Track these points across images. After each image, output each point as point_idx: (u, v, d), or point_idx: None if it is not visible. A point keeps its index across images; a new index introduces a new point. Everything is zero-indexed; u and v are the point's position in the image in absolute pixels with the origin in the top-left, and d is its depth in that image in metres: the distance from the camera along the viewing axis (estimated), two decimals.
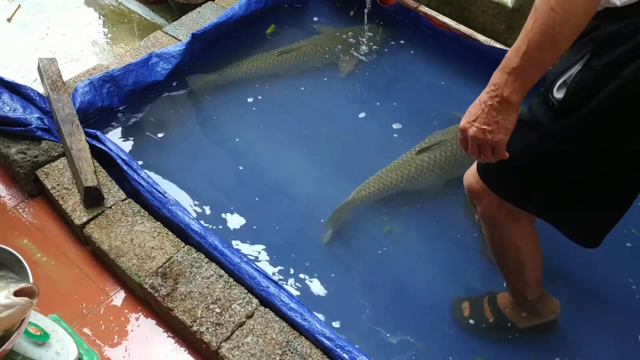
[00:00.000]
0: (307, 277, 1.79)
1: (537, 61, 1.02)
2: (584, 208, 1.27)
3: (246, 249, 1.82)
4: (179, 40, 2.38)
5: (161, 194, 1.72)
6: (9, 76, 2.02)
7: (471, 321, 1.68)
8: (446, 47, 2.62)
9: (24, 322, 1.23)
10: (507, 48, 2.45)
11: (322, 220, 1.92)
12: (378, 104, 2.41)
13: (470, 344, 1.67)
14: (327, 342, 1.43)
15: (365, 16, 2.63)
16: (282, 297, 1.51)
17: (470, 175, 1.41)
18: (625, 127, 1.12)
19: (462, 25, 2.56)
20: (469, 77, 2.53)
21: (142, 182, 1.75)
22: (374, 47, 2.66)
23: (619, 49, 1.05)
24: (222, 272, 1.59)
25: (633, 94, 1.06)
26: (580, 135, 1.16)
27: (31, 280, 1.24)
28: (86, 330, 1.60)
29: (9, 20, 2.78)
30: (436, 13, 2.60)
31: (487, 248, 1.57)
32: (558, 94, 1.13)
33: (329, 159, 2.16)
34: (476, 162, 1.38)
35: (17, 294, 1.17)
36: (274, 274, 1.76)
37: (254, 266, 1.58)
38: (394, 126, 2.31)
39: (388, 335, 1.70)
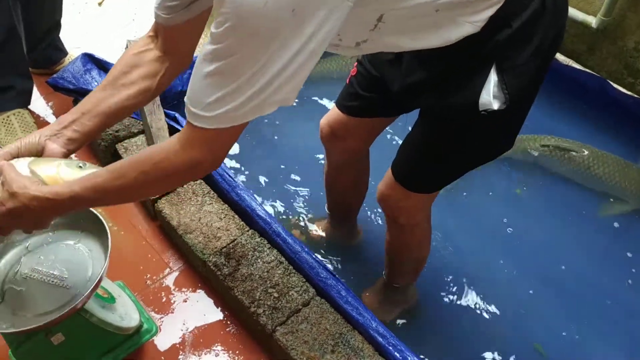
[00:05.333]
0: (364, 273, 1.82)
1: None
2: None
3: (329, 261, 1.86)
4: None
5: (232, 178, 1.77)
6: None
7: None
8: None
9: (98, 284, 1.29)
10: (586, 69, 2.42)
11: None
12: None
13: None
14: (379, 338, 1.44)
15: None
16: (339, 290, 1.53)
17: (393, 190, 1.37)
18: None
19: None
20: (541, 95, 2.49)
21: None
22: None
23: (517, 41, 1.05)
24: (283, 258, 1.63)
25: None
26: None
27: (109, 239, 1.30)
28: (148, 299, 1.67)
29: (99, 4, 2.94)
30: None
31: (387, 248, 1.63)
32: (495, 106, 1.09)
33: None
34: (393, 174, 1.37)
35: None
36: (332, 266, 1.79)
37: (314, 257, 1.61)
38: None
39: (444, 338, 1.73)
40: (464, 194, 2.13)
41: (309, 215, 2.00)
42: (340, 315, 1.53)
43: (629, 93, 2.33)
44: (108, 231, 1.30)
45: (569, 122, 2.39)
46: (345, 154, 1.62)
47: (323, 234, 1.94)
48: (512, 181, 2.24)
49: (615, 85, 2.35)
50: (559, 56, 2.47)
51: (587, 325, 1.78)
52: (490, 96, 1.08)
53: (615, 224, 2.08)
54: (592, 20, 2.33)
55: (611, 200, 2.12)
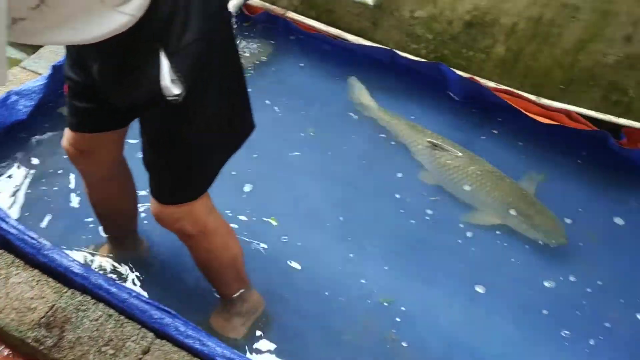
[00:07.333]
0: (204, 295, 1.77)
1: None
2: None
3: (134, 282, 1.77)
4: (40, 74, 2.25)
5: (35, 239, 1.61)
6: None
7: None
8: (319, 49, 2.68)
9: None
10: (376, 44, 2.55)
11: None
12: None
13: None
14: None
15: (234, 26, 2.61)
16: (177, 326, 1.47)
17: (164, 210, 1.38)
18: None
19: (330, 27, 2.62)
20: (343, 74, 2.61)
21: (12, 230, 1.63)
22: (258, 58, 2.66)
23: (174, 24, 1.10)
24: (112, 310, 1.52)
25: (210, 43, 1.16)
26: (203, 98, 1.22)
27: None
28: None
29: None
30: (303, 17, 2.65)
31: (200, 266, 1.60)
32: (175, 90, 1.13)
33: None
34: (155, 199, 1.38)
35: None
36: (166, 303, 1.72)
37: (144, 299, 1.52)
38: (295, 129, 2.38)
39: (300, 340, 1.74)
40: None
41: (92, 245, 1.91)
42: (185, 351, 1.46)
43: (416, 58, 2.50)
44: None
45: (374, 96, 2.52)
46: (101, 167, 1.56)
47: (109, 257, 1.86)
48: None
49: (403, 54, 2.51)
50: (349, 36, 2.59)
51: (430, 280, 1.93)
52: (168, 82, 1.11)
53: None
54: None
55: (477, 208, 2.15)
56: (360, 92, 2.47)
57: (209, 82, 1.20)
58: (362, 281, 1.88)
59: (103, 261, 1.85)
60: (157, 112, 1.22)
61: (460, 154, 2.23)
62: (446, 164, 2.20)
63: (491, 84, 2.42)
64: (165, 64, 1.11)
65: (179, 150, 1.28)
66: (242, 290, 1.71)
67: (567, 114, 2.34)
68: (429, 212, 2.11)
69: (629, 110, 2.32)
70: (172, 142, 1.27)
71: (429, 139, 2.27)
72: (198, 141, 1.28)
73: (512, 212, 2.08)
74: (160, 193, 1.38)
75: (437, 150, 2.24)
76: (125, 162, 1.66)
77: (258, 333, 1.75)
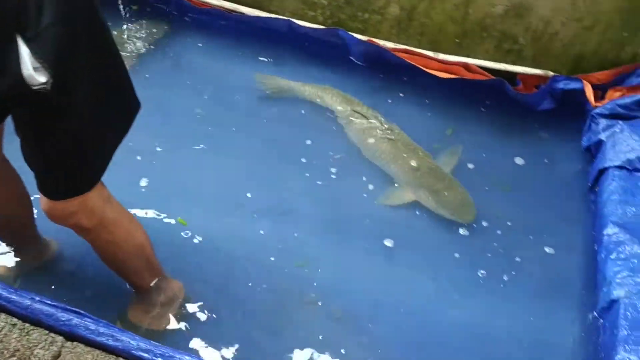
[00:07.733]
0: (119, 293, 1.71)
1: None
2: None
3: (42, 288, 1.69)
4: None
5: None
6: None
7: None
8: (216, 26, 2.61)
9: None
10: (273, 15, 2.51)
11: None
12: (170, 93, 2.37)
13: None
14: (145, 355, 1.36)
15: (122, 10, 2.51)
16: (87, 325, 1.41)
17: (55, 206, 1.32)
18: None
19: (223, 1, 2.55)
20: (246, 49, 2.56)
21: None
22: (152, 40, 2.56)
23: (28, 8, 1.02)
24: (15, 319, 1.43)
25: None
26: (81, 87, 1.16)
27: None
28: None
29: None
30: None
31: (105, 260, 1.56)
32: (41, 78, 1.05)
33: None
34: (43, 195, 1.32)
35: None
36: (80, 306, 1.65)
37: (49, 302, 1.45)
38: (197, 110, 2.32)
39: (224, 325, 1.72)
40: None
41: None
42: (98, 350, 1.41)
43: (314, 26, 2.48)
44: None
45: (278, 69, 2.49)
46: None
47: (11, 267, 1.77)
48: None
49: (300, 22, 2.48)
50: (244, 9, 2.53)
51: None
52: (31, 70, 1.04)
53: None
54: None
55: (396, 185, 2.14)
56: (272, 81, 2.42)
57: (76, 67, 1.13)
58: (276, 252, 1.89)
59: (4, 272, 1.75)
60: (25, 105, 1.14)
61: (378, 123, 2.25)
62: (364, 134, 2.22)
63: (390, 45, 2.45)
64: (24, 51, 1.03)
65: (56, 143, 1.22)
66: (156, 280, 1.66)
67: (465, 66, 2.40)
68: (334, 170, 2.15)
69: (521, 58, 2.41)
70: (47, 135, 1.20)
71: (354, 108, 2.29)
72: (75, 130, 1.21)
73: (422, 187, 2.09)
74: (47, 189, 1.31)
75: (359, 119, 2.26)
76: (8, 163, 1.56)
77: (181, 319, 1.72)
